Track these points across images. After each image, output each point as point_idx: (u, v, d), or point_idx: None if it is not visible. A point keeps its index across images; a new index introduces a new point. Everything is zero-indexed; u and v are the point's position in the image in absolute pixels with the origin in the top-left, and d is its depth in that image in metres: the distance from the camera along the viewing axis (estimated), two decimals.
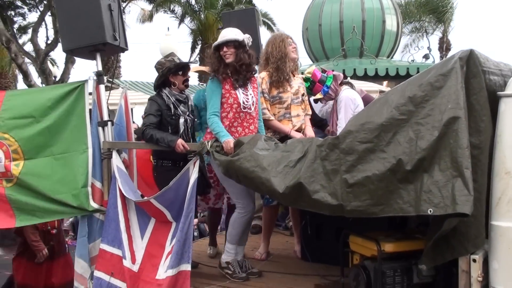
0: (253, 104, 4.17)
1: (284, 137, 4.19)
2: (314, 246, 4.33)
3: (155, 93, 4.48)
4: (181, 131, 4.31)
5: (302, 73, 4.98)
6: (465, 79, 2.94)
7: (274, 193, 3.41)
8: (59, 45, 20.72)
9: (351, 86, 4.92)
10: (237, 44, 4.14)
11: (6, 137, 4.21)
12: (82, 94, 4.30)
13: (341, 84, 4.84)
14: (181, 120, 4.31)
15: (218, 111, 4.07)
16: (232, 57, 4.13)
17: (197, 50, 28.71)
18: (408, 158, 2.95)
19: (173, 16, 23.83)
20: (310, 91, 4.82)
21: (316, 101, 4.93)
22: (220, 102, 4.10)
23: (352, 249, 3.69)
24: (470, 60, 2.97)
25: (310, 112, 4.73)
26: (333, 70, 5.00)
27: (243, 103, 4.10)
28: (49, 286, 5.05)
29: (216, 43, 4.20)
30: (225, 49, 4.14)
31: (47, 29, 24.30)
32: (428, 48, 13.98)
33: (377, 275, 3.31)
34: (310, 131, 4.59)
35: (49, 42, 23.61)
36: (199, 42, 28.32)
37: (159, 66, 4.38)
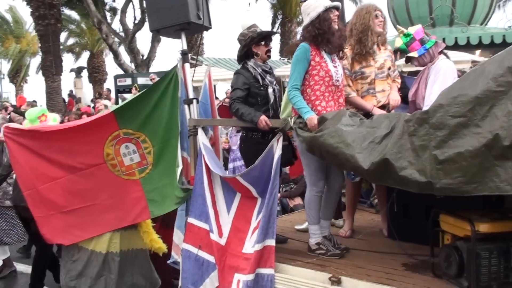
0: (341, 76, 4.03)
1: (367, 114, 4.04)
2: (401, 224, 4.20)
3: (238, 67, 4.50)
4: (271, 101, 4.29)
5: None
6: None
7: (359, 169, 3.33)
8: (146, 25, 21.49)
9: (447, 57, 4.59)
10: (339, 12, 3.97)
11: (131, 132, 4.45)
12: (177, 80, 4.42)
13: (439, 53, 4.51)
14: (270, 90, 4.28)
15: (300, 84, 3.93)
16: (337, 24, 3.94)
17: (277, 25, 28.59)
18: (506, 133, 2.74)
19: None
20: (406, 47, 4.50)
21: (407, 60, 4.57)
22: (303, 75, 3.95)
23: (442, 229, 3.53)
24: None
25: (399, 80, 4.47)
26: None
27: (334, 76, 3.95)
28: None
29: (329, 5, 3.91)
30: (334, 13, 3.92)
31: (134, 10, 25.26)
32: None
33: (471, 257, 3.15)
34: (394, 95, 4.32)
35: (136, 22, 24.53)
36: (279, 17, 28.16)
37: (241, 37, 4.37)
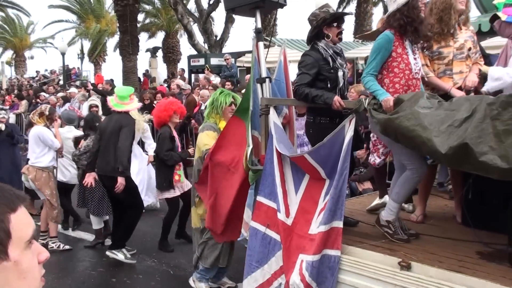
0: (420, 70, 3.89)
1: (444, 96, 3.88)
2: (477, 211, 4.04)
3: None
4: (341, 84, 4.22)
5: None
6: None
7: (436, 153, 3.23)
8: (220, 6, 21.72)
9: None
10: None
11: None
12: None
13: None
14: (340, 73, 4.20)
15: (376, 73, 3.84)
16: (423, 13, 3.79)
17: (351, 3, 27.93)
18: None
19: None
20: (503, 7, 4.24)
21: (492, 19, 4.27)
22: (381, 64, 3.85)
23: None
24: None
25: (481, 62, 4.24)
26: None
27: (414, 68, 3.81)
28: None
29: None
30: (423, 1, 3.78)
31: None
32: None
33: None
34: (472, 76, 4.11)
35: (211, 2, 24.82)
36: None
37: (313, 17, 4.27)
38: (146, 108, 11.88)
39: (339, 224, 3.86)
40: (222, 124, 5.04)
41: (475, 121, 3.08)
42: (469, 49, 4.16)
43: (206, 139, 5.13)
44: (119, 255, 6.16)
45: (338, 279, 3.86)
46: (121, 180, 6.04)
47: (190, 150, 6.73)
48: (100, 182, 6.52)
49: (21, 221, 1.04)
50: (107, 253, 6.20)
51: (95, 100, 10.06)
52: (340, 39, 4.31)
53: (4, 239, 1.00)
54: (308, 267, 3.88)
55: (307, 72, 4.12)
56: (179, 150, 6.80)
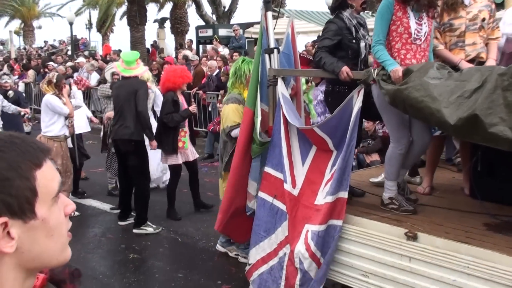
0: (424, 35, 3.83)
1: (454, 69, 3.82)
2: (485, 183, 4.02)
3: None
4: (362, 55, 4.20)
5: None
6: None
7: (445, 124, 3.21)
8: None
9: None
10: None
11: None
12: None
13: None
14: (362, 44, 4.18)
15: (383, 39, 3.79)
16: None
17: None
18: None
19: None
20: None
21: None
22: (386, 30, 3.80)
23: None
24: None
25: (498, 35, 4.12)
26: None
27: (415, 33, 3.75)
28: None
29: None
30: None
31: None
32: None
33: None
34: (490, 62, 3.99)
35: None
36: None
37: None
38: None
39: (344, 194, 3.90)
40: (246, 94, 5.00)
41: (485, 91, 3.04)
42: (483, 19, 4.05)
43: (231, 115, 5.13)
44: (148, 229, 6.28)
45: (344, 249, 3.90)
46: (152, 142, 6.38)
47: (191, 108, 6.67)
48: (115, 148, 6.63)
49: (46, 177, 1.00)
50: (134, 231, 6.27)
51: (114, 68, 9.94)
52: (364, 9, 4.32)
53: (30, 198, 0.97)
54: (314, 237, 3.91)
55: (329, 37, 4.12)
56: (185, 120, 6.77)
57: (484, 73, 3.16)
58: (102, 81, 9.51)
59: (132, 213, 6.60)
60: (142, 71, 6.54)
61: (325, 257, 3.90)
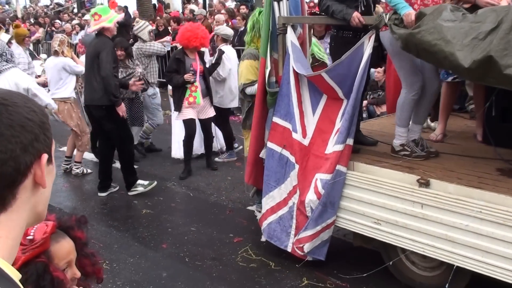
0: None
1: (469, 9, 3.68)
2: (499, 129, 3.97)
3: None
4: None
5: None
6: None
7: (458, 68, 3.12)
8: None
9: None
10: None
11: None
12: None
13: None
14: None
15: None
16: None
17: None
18: None
19: None
20: None
21: None
22: None
23: None
24: None
25: None
26: None
27: None
28: None
29: None
30: None
31: None
32: None
33: None
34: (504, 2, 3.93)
35: None
36: None
37: None
38: (160, 34, 11.69)
39: (350, 141, 3.92)
40: None
41: (501, 32, 2.94)
42: None
43: (245, 72, 5.01)
44: (139, 189, 6.12)
45: (355, 197, 3.90)
46: (119, 109, 5.86)
47: (186, 76, 6.37)
48: (87, 113, 6.44)
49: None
50: (129, 193, 6.15)
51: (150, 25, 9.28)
52: None
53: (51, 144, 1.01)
54: (324, 185, 3.92)
55: None
56: (197, 75, 6.52)
57: (500, 14, 3.04)
58: (133, 39, 8.79)
59: (112, 184, 6.32)
60: (109, 23, 5.87)
61: (329, 200, 3.96)
